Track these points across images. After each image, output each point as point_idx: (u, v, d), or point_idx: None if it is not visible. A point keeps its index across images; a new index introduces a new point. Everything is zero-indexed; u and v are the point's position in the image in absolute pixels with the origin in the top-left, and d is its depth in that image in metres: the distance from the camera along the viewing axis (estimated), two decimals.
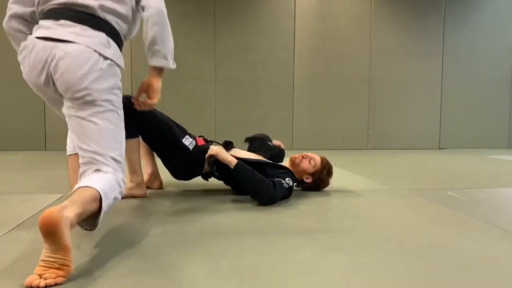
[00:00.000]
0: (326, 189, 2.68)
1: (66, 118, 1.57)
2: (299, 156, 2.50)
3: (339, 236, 1.63)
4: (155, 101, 1.74)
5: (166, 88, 5.89)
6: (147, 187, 2.53)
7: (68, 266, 1.15)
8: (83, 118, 1.49)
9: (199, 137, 2.47)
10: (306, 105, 6.08)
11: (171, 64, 1.76)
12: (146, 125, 2.26)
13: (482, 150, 6.13)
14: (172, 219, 1.88)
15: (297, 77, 6.04)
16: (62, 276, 1.13)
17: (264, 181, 2.14)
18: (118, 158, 1.54)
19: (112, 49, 1.55)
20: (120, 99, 1.60)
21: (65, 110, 1.55)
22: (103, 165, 1.48)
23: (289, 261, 1.34)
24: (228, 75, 5.89)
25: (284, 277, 1.21)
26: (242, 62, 5.91)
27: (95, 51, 1.48)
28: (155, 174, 2.65)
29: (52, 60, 1.45)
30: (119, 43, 1.64)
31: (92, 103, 1.49)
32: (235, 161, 2.17)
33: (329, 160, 2.56)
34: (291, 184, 2.28)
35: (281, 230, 1.71)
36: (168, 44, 1.72)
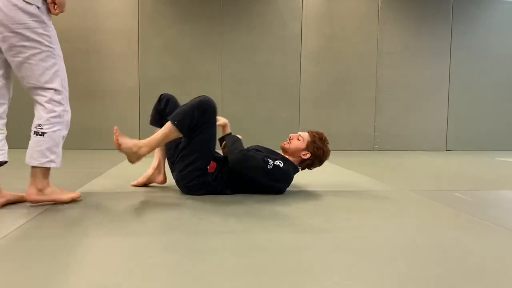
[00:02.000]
0: (333, 189, 2.67)
1: None
2: (287, 140, 2.54)
3: (346, 236, 1.62)
4: (58, 11, 1.98)
5: (173, 87, 5.93)
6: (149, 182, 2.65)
7: None
8: None
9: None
10: (312, 105, 6.07)
11: None
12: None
13: (490, 152, 6.09)
14: (178, 217, 1.88)
15: (304, 77, 6.03)
16: None
17: (241, 148, 2.29)
18: None
19: None
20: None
21: None
22: None
23: (296, 260, 1.33)
24: (235, 75, 5.89)
25: (291, 276, 1.20)
26: (249, 63, 5.91)
27: None
28: (159, 169, 2.67)
29: None
30: None
31: None
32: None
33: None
34: (281, 166, 2.28)
35: (288, 229, 1.70)
36: None
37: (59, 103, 2.00)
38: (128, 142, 2.15)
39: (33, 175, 2.03)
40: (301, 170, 2.56)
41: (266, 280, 1.17)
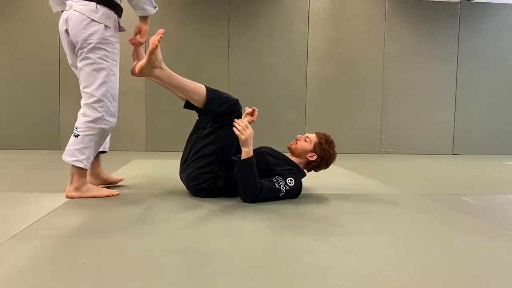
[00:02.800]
0: (339, 192, 2.66)
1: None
2: (294, 141, 2.53)
3: (353, 239, 1.62)
4: (145, 40, 2.38)
5: None
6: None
7: None
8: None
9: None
10: (318, 108, 6.06)
11: (150, 11, 2.32)
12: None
13: (497, 156, 6.05)
14: (184, 218, 1.89)
15: (310, 80, 6.03)
16: None
17: (253, 185, 2.18)
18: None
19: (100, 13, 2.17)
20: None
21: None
22: None
23: (302, 263, 1.33)
24: (241, 77, 5.90)
25: (298, 278, 1.20)
26: (255, 65, 5.92)
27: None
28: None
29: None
30: (112, 7, 2.24)
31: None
32: (249, 155, 2.19)
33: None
34: (292, 185, 2.28)
35: (295, 232, 1.70)
36: None
37: (97, 110, 2.21)
38: (160, 57, 2.15)
39: (71, 174, 2.25)
40: (307, 172, 2.56)
41: (273, 283, 1.17)
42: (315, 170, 2.57)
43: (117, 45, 2.33)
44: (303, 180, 2.47)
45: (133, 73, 2.31)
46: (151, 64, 2.12)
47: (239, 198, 2.33)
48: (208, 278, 1.19)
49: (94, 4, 2.17)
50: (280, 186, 2.25)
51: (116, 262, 1.30)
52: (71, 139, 2.23)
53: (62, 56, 5.46)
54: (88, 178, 2.45)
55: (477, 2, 6.21)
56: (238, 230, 1.73)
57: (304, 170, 2.52)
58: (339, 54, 6.06)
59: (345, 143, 6.00)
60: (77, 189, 2.25)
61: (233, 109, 2.28)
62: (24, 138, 5.56)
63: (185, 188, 2.49)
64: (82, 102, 2.24)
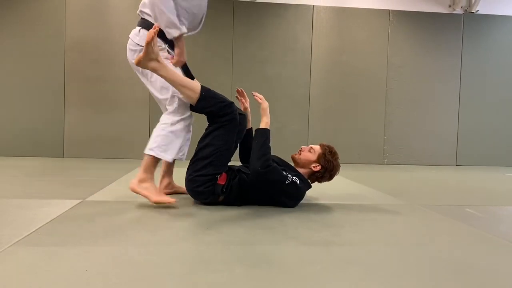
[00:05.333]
0: (342, 202, 2.66)
1: None
2: (298, 152, 2.55)
3: (355, 249, 1.61)
4: (175, 61, 2.38)
5: None
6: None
7: None
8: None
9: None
10: (322, 117, 6.07)
11: (172, 34, 2.30)
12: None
13: (500, 168, 6.02)
14: (186, 227, 1.89)
15: (313, 90, 6.05)
16: None
17: (267, 154, 2.26)
18: None
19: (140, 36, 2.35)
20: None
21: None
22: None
23: (304, 273, 1.33)
24: (245, 87, 5.89)
25: None
26: (259, 75, 5.94)
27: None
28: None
29: None
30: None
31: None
32: (267, 126, 2.43)
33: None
34: (297, 183, 2.29)
35: (297, 242, 1.70)
36: (162, 21, 2.25)
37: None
38: (156, 49, 2.16)
39: (141, 165, 2.33)
40: (311, 183, 2.56)
41: None
42: (319, 181, 2.57)
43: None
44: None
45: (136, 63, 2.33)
46: (148, 56, 2.15)
47: (240, 207, 2.33)
48: (209, 286, 1.19)
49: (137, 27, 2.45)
50: (287, 174, 2.27)
51: (118, 270, 1.29)
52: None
53: (67, 64, 5.51)
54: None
55: (480, 14, 6.23)
56: (240, 238, 1.72)
57: (311, 185, 2.52)
58: (343, 64, 6.08)
59: (348, 153, 6.00)
60: (139, 182, 2.29)
61: (226, 111, 2.32)
62: (28, 145, 5.58)
63: (188, 196, 2.50)
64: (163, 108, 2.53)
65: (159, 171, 2.69)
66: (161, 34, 2.30)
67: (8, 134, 5.55)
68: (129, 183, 2.30)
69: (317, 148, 2.53)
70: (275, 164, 2.27)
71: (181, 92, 2.31)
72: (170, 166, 2.67)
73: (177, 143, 2.36)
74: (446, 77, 6.24)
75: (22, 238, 1.60)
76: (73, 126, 5.61)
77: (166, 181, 2.68)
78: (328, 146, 2.54)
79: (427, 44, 6.20)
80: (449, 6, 6.24)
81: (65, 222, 1.90)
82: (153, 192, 2.29)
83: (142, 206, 2.32)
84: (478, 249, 1.70)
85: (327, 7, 6.03)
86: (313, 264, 1.41)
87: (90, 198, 2.50)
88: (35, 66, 5.53)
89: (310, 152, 2.51)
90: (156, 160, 2.33)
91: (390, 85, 6.15)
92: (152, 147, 2.30)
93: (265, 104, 2.54)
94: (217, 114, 2.32)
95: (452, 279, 1.32)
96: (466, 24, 6.22)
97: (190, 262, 1.40)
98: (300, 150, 2.55)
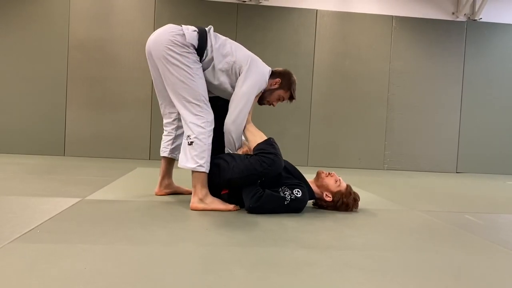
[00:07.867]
0: None
1: None
2: (327, 172, 2.50)
3: (355, 254, 1.61)
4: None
5: None
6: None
7: None
8: None
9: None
10: (323, 122, 6.07)
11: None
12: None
13: (501, 176, 6.02)
14: (186, 228, 1.89)
15: (315, 94, 6.05)
16: None
17: (252, 189, 2.23)
18: None
19: None
20: None
21: None
22: None
23: (303, 276, 1.33)
24: None
25: None
26: None
27: None
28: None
29: None
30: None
31: None
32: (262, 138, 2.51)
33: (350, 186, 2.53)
34: (299, 196, 2.28)
35: (296, 245, 1.70)
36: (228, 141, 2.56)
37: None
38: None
39: (193, 184, 2.30)
40: (313, 205, 2.55)
41: None
42: (320, 207, 2.54)
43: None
44: None
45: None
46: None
47: (242, 212, 2.33)
48: (208, 287, 1.19)
49: None
50: (285, 194, 2.25)
51: (117, 269, 1.29)
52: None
53: (70, 63, 5.53)
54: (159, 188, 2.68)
55: (483, 22, 6.24)
56: (239, 240, 1.72)
57: (315, 196, 2.49)
58: (345, 69, 6.09)
59: (349, 158, 6.00)
60: (201, 200, 2.28)
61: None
62: (29, 143, 5.58)
63: (187, 196, 2.51)
64: None
65: (158, 171, 2.69)
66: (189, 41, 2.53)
67: (9, 132, 5.56)
68: (190, 205, 2.29)
69: (343, 185, 2.49)
70: (266, 191, 2.23)
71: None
72: (170, 167, 2.68)
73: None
74: (448, 84, 6.25)
75: (22, 235, 1.60)
76: (75, 124, 5.61)
77: (166, 181, 2.69)
78: (354, 193, 2.50)
79: (430, 51, 6.21)
80: (453, 13, 6.25)
81: (64, 220, 1.90)
82: (218, 203, 2.32)
83: (142, 206, 2.32)
84: (477, 256, 1.70)
85: (330, 11, 6.04)
86: (312, 267, 1.41)
87: (90, 197, 2.50)
88: (38, 65, 5.54)
89: (335, 183, 2.47)
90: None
91: (392, 90, 6.15)
92: (202, 163, 2.26)
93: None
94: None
95: (451, 285, 1.32)
96: (468, 31, 6.22)
97: (190, 262, 1.40)
98: (330, 173, 2.51)
